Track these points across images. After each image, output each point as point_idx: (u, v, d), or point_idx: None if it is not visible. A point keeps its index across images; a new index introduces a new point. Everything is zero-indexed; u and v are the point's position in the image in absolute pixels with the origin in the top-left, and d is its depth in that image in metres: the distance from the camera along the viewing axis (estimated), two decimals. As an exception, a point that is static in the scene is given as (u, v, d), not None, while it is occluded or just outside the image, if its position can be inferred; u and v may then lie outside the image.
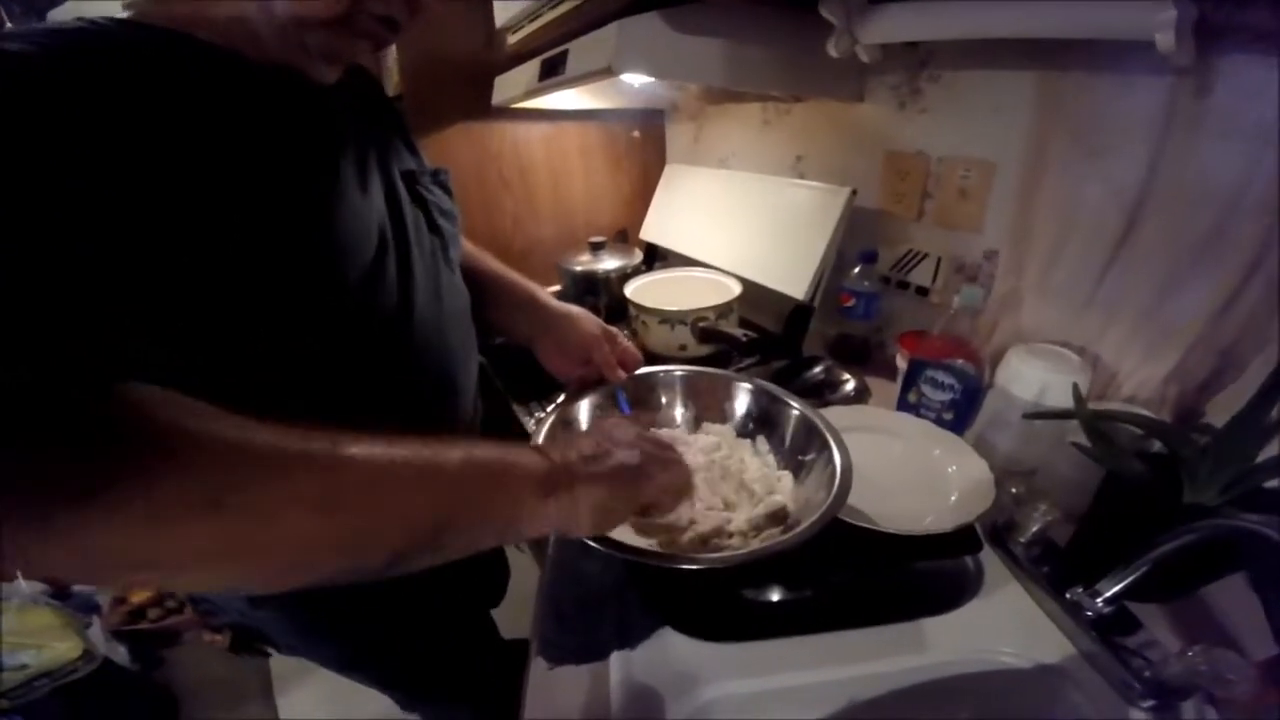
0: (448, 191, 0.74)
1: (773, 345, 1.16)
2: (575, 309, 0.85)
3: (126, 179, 0.37)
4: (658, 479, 0.54)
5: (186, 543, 0.31)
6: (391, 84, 1.39)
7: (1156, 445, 0.63)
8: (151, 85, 0.41)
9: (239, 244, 0.45)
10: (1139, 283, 0.75)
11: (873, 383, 1.01)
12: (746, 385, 0.78)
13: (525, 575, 1.62)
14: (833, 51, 0.84)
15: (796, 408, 0.73)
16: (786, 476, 0.69)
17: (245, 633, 1.66)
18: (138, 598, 1.69)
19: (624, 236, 1.71)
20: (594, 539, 0.52)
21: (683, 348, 1.14)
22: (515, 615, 1.06)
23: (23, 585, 1.49)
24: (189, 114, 0.42)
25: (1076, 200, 0.79)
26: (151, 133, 0.39)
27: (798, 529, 0.54)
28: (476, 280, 0.80)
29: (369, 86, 0.69)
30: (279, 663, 1.64)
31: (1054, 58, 0.76)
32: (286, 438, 0.35)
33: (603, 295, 1.45)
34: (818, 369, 1.01)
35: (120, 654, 1.59)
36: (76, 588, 1.62)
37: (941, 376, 0.82)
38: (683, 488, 0.59)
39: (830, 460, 0.63)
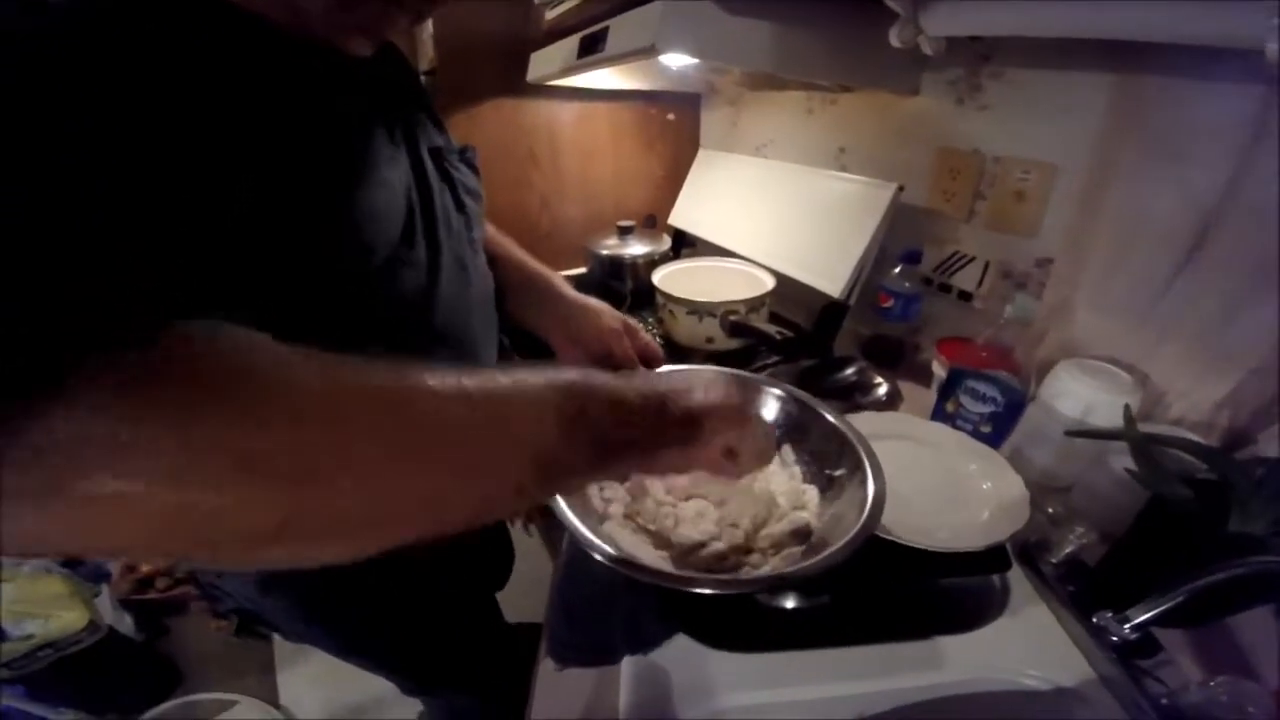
0: (474, 170, 0.72)
1: (802, 343, 1.13)
2: (594, 301, 0.84)
3: (150, 135, 0.36)
4: (746, 426, 0.48)
5: (233, 488, 0.26)
6: (426, 59, 1.38)
7: (1204, 471, 0.60)
8: (183, 46, 0.39)
9: (262, 210, 0.43)
10: (1203, 301, 0.71)
11: (905, 387, 0.98)
12: (779, 392, 0.74)
13: (531, 559, 1.64)
14: (895, 41, 0.81)
15: (831, 420, 0.69)
16: (812, 491, 0.67)
17: (250, 618, 1.66)
18: (146, 567, 1.69)
19: (653, 221, 1.68)
20: (611, 559, 0.50)
21: (710, 340, 1.11)
22: (518, 599, 1.07)
23: None
24: (219, 77, 0.41)
25: (1145, 210, 0.75)
26: (177, 92, 0.38)
27: (822, 554, 0.51)
28: (496, 265, 0.78)
29: (398, 63, 0.67)
30: (281, 641, 1.65)
31: (1135, 60, 0.73)
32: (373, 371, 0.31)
33: (629, 281, 1.43)
34: (850, 370, 0.98)
35: (126, 623, 1.60)
36: None
37: (983, 388, 0.79)
38: (765, 448, 0.52)
39: (864, 482, 0.59)
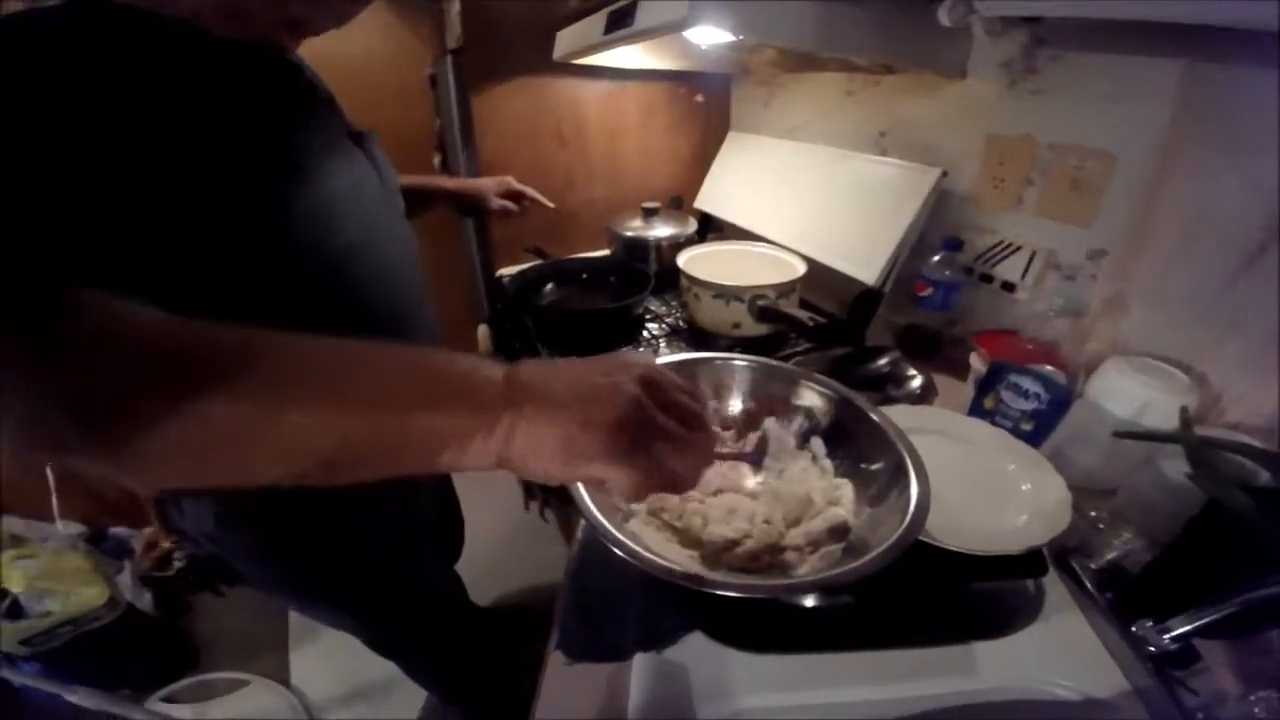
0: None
1: (834, 331, 1.10)
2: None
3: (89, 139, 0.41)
4: (667, 433, 0.40)
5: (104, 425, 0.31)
6: (453, 36, 1.35)
7: (1263, 478, 0.57)
8: (114, 56, 0.43)
9: (195, 204, 0.47)
10: (1269, 298, 0.68)
11: (940, 381, 0.95)
12: (813, 384, 0.71)
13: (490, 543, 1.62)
14: (945, 20, 0.77)
15: (873, 416, 0.65)
16: (846, 486, 0.64)
17: (205, 566, 1.69)
18: (168, 543, 1.70)
19: (678, 204, 1.65)
20: (630, 554, 0.47)
21: (737, 325, 1.08)
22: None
23: (60, 529, 1.51)
24: (144, 83, 0.45)
25: (1210, 203, 0.72)
26: (109, 95, 0.42)
27: (865, 558, 0.48)
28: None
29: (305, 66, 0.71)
30: (297, 617, 1.66)
31: (1206, 47, 0.69)
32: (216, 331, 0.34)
33: (653, 263, 1.40)
34: (883, 360, 0.95)
35: (146, 600, 1.61)
36: (112, 530, 1.66)
37: (1026, 384, 0.76)
38: (695, 463, 0.44)
39: (906, 483, 0.56)
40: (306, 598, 0.87)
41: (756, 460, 0.63)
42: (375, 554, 0.84)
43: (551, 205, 1.27)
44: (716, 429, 0.70)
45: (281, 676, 1.56)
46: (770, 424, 0.71)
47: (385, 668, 1.14)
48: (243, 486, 0.34)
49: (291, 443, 0.34)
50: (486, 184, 1.18)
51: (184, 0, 0.48)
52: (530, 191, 1.22)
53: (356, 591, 0.86)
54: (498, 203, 1.18)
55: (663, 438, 0.40)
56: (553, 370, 0.41)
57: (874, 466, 0.62)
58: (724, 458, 0.63)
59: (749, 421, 0.72)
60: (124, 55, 0.43)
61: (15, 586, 1.31)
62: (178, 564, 1.70)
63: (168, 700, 1.50)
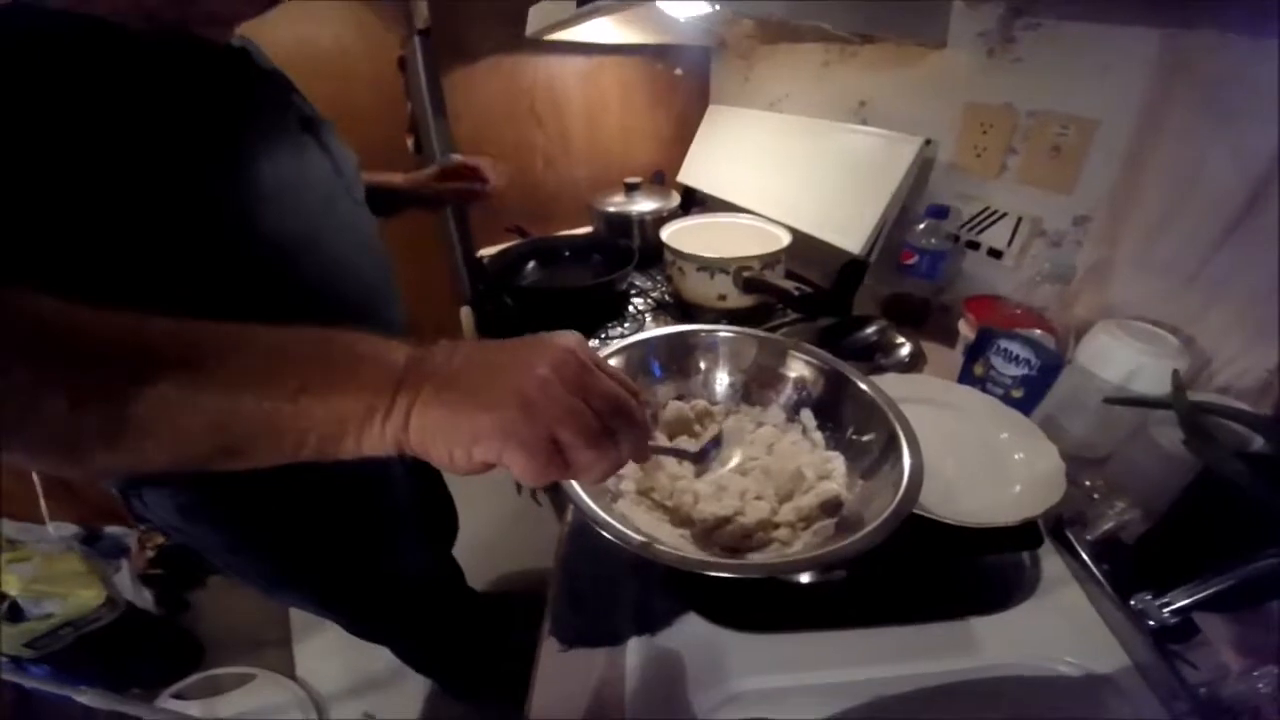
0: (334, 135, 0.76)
1: (820, 302, 1.09)
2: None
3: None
4: (575, 417, 0.37)
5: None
6: (420, 17, 1.32)
7: (1258, 443, 0.57)
8: (34, 59, 0.44)
9: (119, 186, 0.48)
10: (1257, 261, 0.67)
11: (929, 349, 0.94)
12: (802, 355, 0.69)
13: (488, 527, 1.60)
14: (922, -11, 0.75)
15: (859, 383, 0.64)
16: (838, 459, 0.62)
17: (179, 556, 1.69)
18: (164, 540, 1.69)
19: (661, 179, 1.63)
20: (619, 536, 0.46)
21: (722, 298, 1.08)
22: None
23: (51, 531, 1.50)
24: (74, 79, 0.46)
25: (1194, 169, 0.71)
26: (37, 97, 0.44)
27: (859, 534, 0.47)
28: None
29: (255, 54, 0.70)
30: (299, 613, 1.64)
31: (1185, 14, 0.68)
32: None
33: (636, 239, 1.39)
34: (870, 329, 0.94)
35: (146, 598, 1.60)
36: (106, 530, 1.64)
37: (1016, 349, 0.75)
38: (609, 453, 0.39)
39: (898, 454, 0.54)
40: (277, 586, 0.87)
41: (701, 460, 0.58)
42: (344, 543, 0.84)
43: (506, 169, 1.10)
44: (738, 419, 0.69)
45: (287, 670, 1.56)
46: (728, 423, 0.68)
47: (391, 658, 1.14)
48: (148, 471, 0.35)
49: (183, 426, 0.34)
50: (422, 175, 1.06)
51: (100, 2, 0.49)
52: (474, 161, 1.06)
53: (326, 581, 0.86)
54: (445, 188, 1.05)
55: (571, 423, 0.36)
56: (461, 352, 0.38)
57: (865, 438, 0.61)
58: (661, 451, 0.60)
59: (740, 395, 0.70)
60: (40, 55, 0.44)
61: (12, 589, 1.31)
62: (148, 554, 1.69)
63: (177, 697, 1.50)
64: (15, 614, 1.30)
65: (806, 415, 0.67)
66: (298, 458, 0.36)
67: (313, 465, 0.37)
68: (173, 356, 0.34)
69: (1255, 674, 0.46)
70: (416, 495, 1.00)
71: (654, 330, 0.70)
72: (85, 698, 1.13)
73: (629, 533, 0.47)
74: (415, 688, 1.43)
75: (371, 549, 0.89)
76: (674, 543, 0.52)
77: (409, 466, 0.91)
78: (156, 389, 0.33)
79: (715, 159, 1.52)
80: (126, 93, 0.48)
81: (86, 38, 0.48)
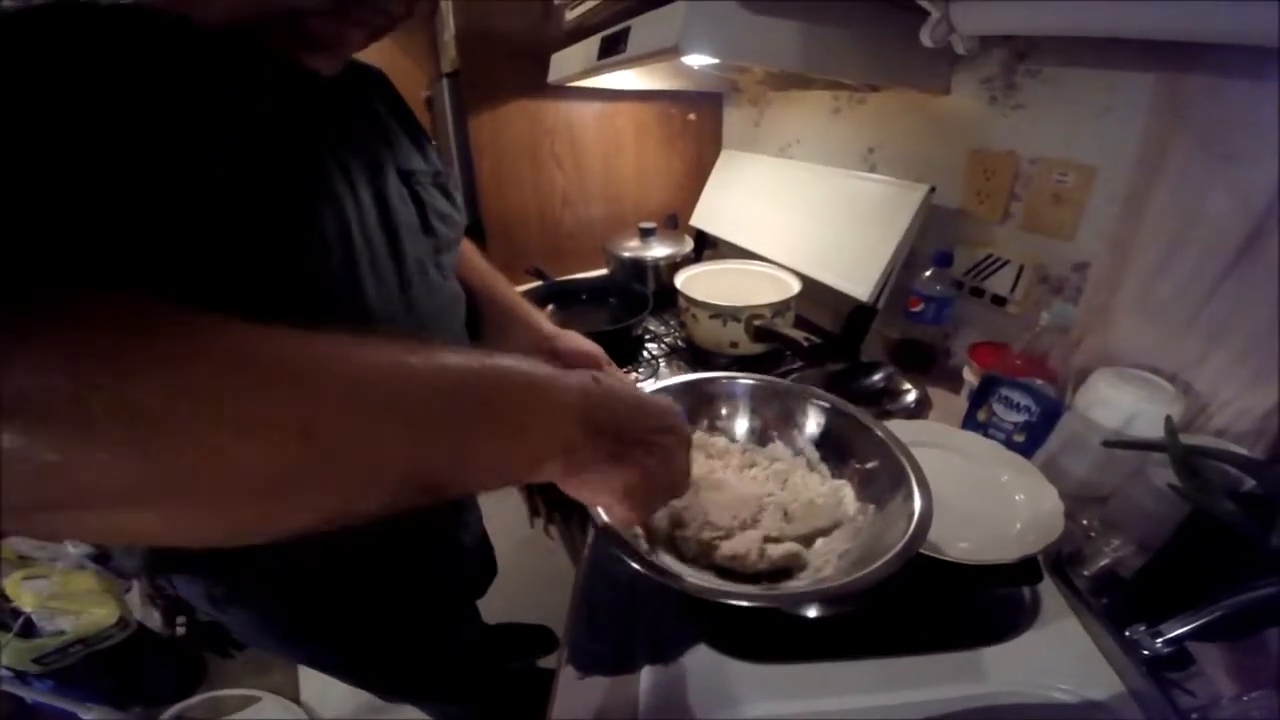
0: (447, 195, 0.71)
1: (829, 346, 1.11)
2: (568, 332, 0.92)
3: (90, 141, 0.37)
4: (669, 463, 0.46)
5: (104, 461, 0.24)
6: (448, 59, 1.38)
7: (1249, 484, 0.58)
8: (120, 59, 0.40)
9: (190, 222, 0.42)
10: (1253, 306, 0.69)
11: (935, 394, 0.96)
12: (822, 403, 0.71)
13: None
14: (927, 40, 0.79)
15: (877, 432, 0.66)
16: (846, 488, 0.65)
17: (208, 630, 1.66)
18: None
19: (674, 222, 1.67)
20: (650, 569, 0.49)
21: (734, 345, 1.10)
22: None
23: (70, 548, 1.50)
24: (153, 83, 0.41)
25: (1191, 212, 0.73)
26: (114, 99, 0.39)
27: (868, 569, 0.49)
28: (473, 297, 0.80)
29: (379, 84, 0.68)
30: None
31: (1181, 59, 0.70)
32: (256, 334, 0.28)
33: (651, 283, 1.42)
34: (877, 375, 0.96)
35: (154, 619, 1.61)
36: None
37: (1017, 396, 0.77)
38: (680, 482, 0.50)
39: (910, 497, 0.57)
40: (318, 664, 0.84)
41: None
42: (398, 620, 0.80)
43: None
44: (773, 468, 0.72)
45: (292, 693, 1.57)
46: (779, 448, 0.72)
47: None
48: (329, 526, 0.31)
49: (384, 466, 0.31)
50: (543, 340, 0.92)
51: (215, 5, 0.45)
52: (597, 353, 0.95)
53: (371, 659, 0.83)
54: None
55: (670, 495, 0.49)
56: (618, 400, 0.43)
57: (869, 465, 0.64)
58: None
59: (759, 439, 0.73)
60: (106, 50, 0.40)
61: (28, 606, 1.32)
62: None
63: (179, 717, 1.51)
64: (28, 630, 1.31)
65: (810, 450, 0.70)
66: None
67: (368, 545, 0.36)
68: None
69: (1246, 699, 0.47)
70: (476, 545, 0.98)
71: (680, 377, 0.74)
72: (90, 715, 1.14)
73: (659, 565, 0.51)
74: (419, 712, 1.42)
75: (425, 623, 0.85)
76: (678, 569, 0.55)
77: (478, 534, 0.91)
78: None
79: (728, 204, 1.55)
80: (184, 93, 0.43)
81: (162, 35, 0.43)
